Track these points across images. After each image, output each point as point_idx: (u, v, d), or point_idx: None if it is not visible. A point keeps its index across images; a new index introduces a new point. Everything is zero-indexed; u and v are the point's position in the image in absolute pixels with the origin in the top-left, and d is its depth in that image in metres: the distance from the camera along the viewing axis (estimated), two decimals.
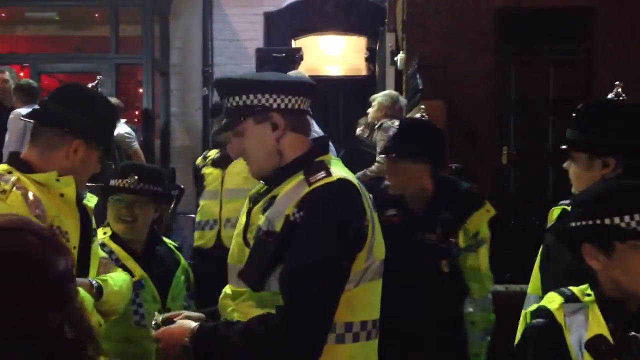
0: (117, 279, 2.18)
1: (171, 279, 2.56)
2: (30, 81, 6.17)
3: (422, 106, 3.93)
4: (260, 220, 1.72)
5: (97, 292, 2.06)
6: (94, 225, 2.16)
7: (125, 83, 8.86)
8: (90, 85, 2.22)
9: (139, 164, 2.68)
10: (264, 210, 1.73)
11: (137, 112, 10.21)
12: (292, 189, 1.70)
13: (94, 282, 2.08)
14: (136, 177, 2.49)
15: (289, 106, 1.76)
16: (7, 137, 5.47)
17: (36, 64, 8.18)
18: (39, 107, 2.09)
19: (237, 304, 1.75)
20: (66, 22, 8.92)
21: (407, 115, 5.86)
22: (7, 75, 6.01)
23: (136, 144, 6.51)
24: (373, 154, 5.18)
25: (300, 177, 1.72)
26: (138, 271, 2.42)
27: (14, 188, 1.88)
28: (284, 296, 1.64)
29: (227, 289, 1.80)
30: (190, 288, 2.67)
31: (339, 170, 1.75)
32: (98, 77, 2.27)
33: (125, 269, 2.34)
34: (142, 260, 2.49)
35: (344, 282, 1.66)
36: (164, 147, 8.39)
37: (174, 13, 8.53)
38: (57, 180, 1.97)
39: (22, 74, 9.49)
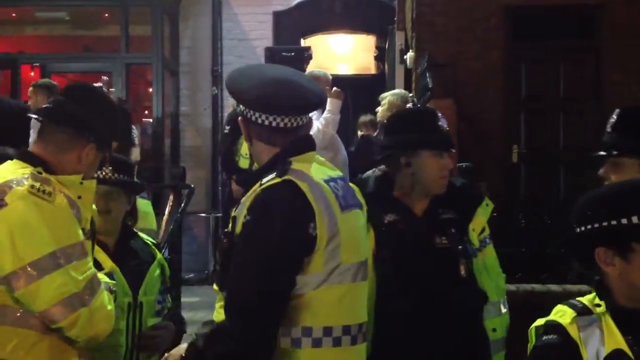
0: (105, 279, 2.19)
1: (145, 272, 2.55)
2: (49, 80, 6.20)
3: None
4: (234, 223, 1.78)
5: (115, 296, 2.09)
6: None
7: (135, 82, 8.89)
8: (96, 85, 2.21)
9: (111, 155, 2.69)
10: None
11: (146, 112, 10.26)
12: (252, 192, 1.75)
13: (111, 287, 2.09)
14: (110, 168, 2.49)
15: (259, 120, 1.79)
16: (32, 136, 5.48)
17: (47, 63, 8.23)
18: (52, 106, 2.06)
19: (218, 304, 1.85)
20: (76, 21, 8.96)
21: None
22: None
23: (136, 141, 6.57)
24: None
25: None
26: (108, 263, 2.41)
27: (56, 191, 1.86)
28: (228, 285, 1.73)
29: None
30: (166, 282, 2.67)
31: (304, 170, 1.75)
32: (103, 78, 2.26)
33: (95, 261, 2.34)
34: (115, 253, 2.46)
35: (281, 286, 1.68)
36: (174, 147, 8.42)
37: (183, 13, 8.56)
38: (81, 183, 1.96)
39: (32, 74, 9.56)
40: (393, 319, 2.14)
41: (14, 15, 8.97)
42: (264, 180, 1.73)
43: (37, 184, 1.84)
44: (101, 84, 1.94)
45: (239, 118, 1.84)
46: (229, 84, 1.84)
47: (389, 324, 2.13)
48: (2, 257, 1.78)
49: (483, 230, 2.51)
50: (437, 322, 2.19)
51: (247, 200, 1.75)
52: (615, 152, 2.06)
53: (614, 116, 2.11)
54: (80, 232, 1.89)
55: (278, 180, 1.71)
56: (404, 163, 2.28)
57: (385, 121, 5.27)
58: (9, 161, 1.99)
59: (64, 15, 8.68)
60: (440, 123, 2.34)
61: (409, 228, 2.28)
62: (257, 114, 1.78)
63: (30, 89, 5.86)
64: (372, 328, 2.07)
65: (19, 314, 1.81)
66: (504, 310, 2.57)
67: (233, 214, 1.78)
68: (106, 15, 8.80)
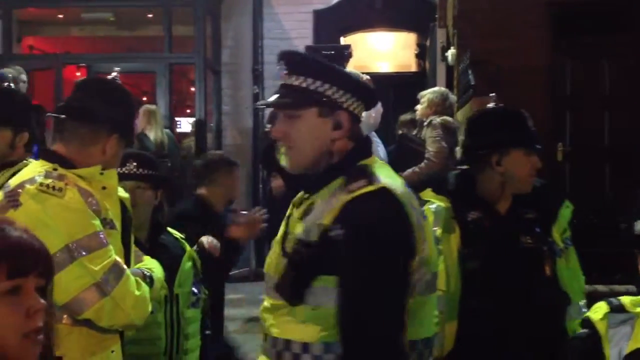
0: (155, 265, 2.23)
1: (177, 266, 2.59)
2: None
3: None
4: (298, 228, 1.62)
5: (150, 281, 2.11)
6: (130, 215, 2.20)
7: (178, 82, 9.02)
8: (109, 77, 2.25)
9: (134, 151, 2.73)
10: (302, 217, 1.64)
11: (188, 111, 10.40)
12: (330, 196, 1.60)
13: (145, 271, 2.13)
14: (135, 164, 2.53)
15: (356, 111, 1.68)
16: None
17: (92, 64, 8.39)
18: (70, 103, 2.09)
19: (276, 317, 1.65)
20: (120, 22, 9.13)
21: (459, 112, 5.80)
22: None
23: None
24: (421, 151, 5.14)
25: (339, 182, 1.62)
26: (147, 257, 2.47)
27: (68, 186, 1.90)
28: (344, 323, 1.54)
29: (266, 301, 1.70)
30: (199, 274, 2.71)
31: (383, 175, 1.62)
32: (115, 69, 2.29)
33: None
34: (147, 248, 2.52)
35: (404, 301, 1.56)
36: (216, 145, 8.51)
37: (225, 12, 8.64)
38: (101, 173, 2.00)
39: (78, 74, 9.76)
40: (477, 317, 2.15)
41: (60, 16, 9.18)
42: (350, 187, 1.58)
43: (48, 181, 1.89)
44: (114, 76, 1.99)
45: (336, 112, 1.65)
46: (322, 66, 1.69)
47: (473, 321, 2.15)
48: None
49: (564, 231, 2.47)
50: (520, 321, 2.19)
51: (327, 206, 1.59)
52: None
53: None
54: (97, 223, 1.92)
55: (372, 188, 1.57)
56: (494, 162, 2.26)
57: (424, 119, 5.24)
58: (34, 161, 2.07)
59: (108, 16, 8.85)
60: (528, 122, 2.34)
61: (494, 226, 2.27)
62: (347, 96, 1.65)
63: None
64: (455, 325, 2.12)
65: None
66: (585, 312, 2.55)
67: (296, 215, 1.67)
68: (149, 15, 8.93)
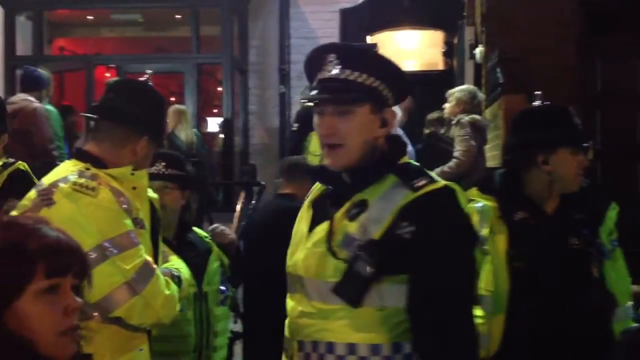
0: (182, 266, 2.25)
1: (205, 264, 2.61)
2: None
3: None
4: (349, 227, 1.58)
5: (178, 280, 2.13)
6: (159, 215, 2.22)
7: (205, 82, 9.09)
8: (142, 79, 2.27)
9: (164, 152, 2.77)
10: (353, 216, 1.59)
11: (216, 111, 10.47)
12: (388, 194, 1.59)
13: (173, 271, 2.15)
14: (163, 164, 2.55)
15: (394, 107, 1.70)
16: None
17: (122, 64, 8.50)
18: (103, 104, 2.12)
19: (330, 323, 1.59)
20: (149, 23, 9.24)
21: (487, 110, 5.75)
22: None
23: None
24: (450, 150, 5.11)
25: (391, 180, 1.61)
26: (172, 256, 2.49)
27: (101, 185, 1.93)
28: (430, 322, 1.54)
29: (304, 307, 1.63)
30: (226, 273, 2.73)
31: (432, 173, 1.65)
32: (147, 72, 2.32)
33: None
34: (175, 246, 2.54)
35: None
36: (244, 144, 8.56)
37: (252, 12, 8.68)
38: (132, 174, 2.02)
39: (108, 75, 9.89)
40: (524, 318, 2.14)
41: (90, 17, 9.31)
42: (414, 185, 1.57)
43: (81, 180, 1.92)
44: (146, 78, 2.01)
45: (384, 109, 1.65)
46: (385, 63, 1.68)
47: (520, 322, 2.14)
48: None
49: (611, 232, 2.42)
50: (568, 322, 2.17)
51: (387, 204, 1.58)
52: None
53: None
54: (129, 222, 1.94)
55: (438, 185, 1.58)
56: (541, 161, 2.23)
57: (452, 117, 5.21)
58: (67, 161, 2.10)
59: (137, 17, 8.95)
60: (575, 119, 2.30)
61: (541, 227, 2.23)
62: (391, 93, 1.66)
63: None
64: (502, 325, 2.12)
65: None
66: (632, 314, 2.48)
67: (340, 214, 1.63)
68: (178, 16, 9.02)
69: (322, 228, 1.63)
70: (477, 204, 2.27)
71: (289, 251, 1.73)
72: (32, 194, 1.99)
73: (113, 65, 8.99)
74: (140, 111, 2.05)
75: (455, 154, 4.94)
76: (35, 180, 2.95)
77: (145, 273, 1.92)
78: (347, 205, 1.62)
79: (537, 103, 2.47)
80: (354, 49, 1.71)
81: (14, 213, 1.93)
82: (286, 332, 1.71)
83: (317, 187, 1.78)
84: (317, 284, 1.61)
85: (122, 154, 2.03)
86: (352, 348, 1.57)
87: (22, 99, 5.18)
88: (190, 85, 8.15)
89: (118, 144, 2.03)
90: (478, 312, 2.26)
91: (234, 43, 8.19)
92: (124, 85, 2.25)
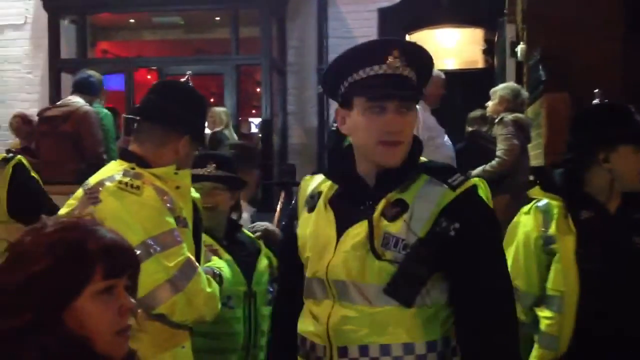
0: (223, 265, 2.28)
1: (255, 263, 2.63)
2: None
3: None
4: (391, 227, 1.58)
5: (220, 279, 2.16)
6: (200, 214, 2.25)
7: (244, 83, 9.16)
8: (182, 80, 2.31)
9: (213, 153, 2.82)
10: (393, 216, 1.59)
11: (254, 111, 10.54)
12: (425, 193, 1.60)
13: (215, 270, 2.18)
14: (214, 165, 2.58)
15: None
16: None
17: (163, 66, 8.61)
18: (145, 104, 2.17)
19: (381, 325, 1.59)
20: (189, 26, 9.33)
21: (529, 108, 5.67)
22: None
23: None
24: (492, 149, 5.05)
25: (424, 178, 1.62)
26: (225, 255, 2.51)
27: (145, 184, 1.97)
28: (473, 318, 1.58)
29: (346, 312, 1.61)
30: (274, 273, 2.74)
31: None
32: (188, 73, 2.35)
33: (215, 253, 2.43)
34: (225, 245, 2.57)
35: None
36: (283, 145, 8.60)
37: (290, 13, 8.71)
38: (175, 173, 2.06)
39: (149, 77, 10.04)
40: (594, 318, 2.14)
41: (132, 21, 9.45)
42: (453, 183, 1.61)
43: (126, 179, 1.96)
44: (186, 79, 2.05)
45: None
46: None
47: (589, 322, 2.14)
48: None
49: None
50: (637, 323, 2.17)
51: (427, 204, 1.60)
52: None
53: None
54: (172, 221, 1.98)
55: (472, 182, 1.65)
56: (602, 159, 2.22)
57: (495, 115, 5.15)
58: (113, 161, 2.15)
59: (178, 20, 9.06)
60: (636, 117, 2.29)
61: (605, 226, 2.22)
62: (420, 89, 1.74)
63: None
64: (572, 326, 2.12)
65: None
66: None
67: (377, 214, 1.61)
68: (217, 18, 9.10)
69: (358, 230, 1.62)
70: (540, 203, 2.26)
71: (311, 256, 1.69)
72: (80, 192, 2.04)
73: (154, 68, 9.12)
74: (180, 111, 2.09)
75: (498, 152, 4.88)
76: (33, 173, 3.09)
77: (187, 271, 1.95)
78: (382, 205, 1.61)
79: (596, 101, 2.45)
80: (417, 48, 1.72)
81: (62, 211, 1.99)
82: (315, 339, 1.66)
83: (321, 186, 1.74)
84: (361, 287, 1.60)
85: (164, 153, 2.07)
86: (409, 347, 1.59)
87: (74, 101, 5.26)
88: (229, 86, 8.22)
89: (159, 143, 2.08)
90: (547, 312, 2.24)
91: (273, 44, 8.23)
92: (165, 86, 2.30)
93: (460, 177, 1.62)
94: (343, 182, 1.71)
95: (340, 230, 1.64)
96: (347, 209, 1.66)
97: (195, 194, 2.22)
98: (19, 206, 2.95)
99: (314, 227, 1.70)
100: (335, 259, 1.62)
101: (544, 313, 2.27)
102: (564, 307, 2.16)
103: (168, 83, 2.39)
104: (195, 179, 2.63)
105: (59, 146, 5.12)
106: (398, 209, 1.59)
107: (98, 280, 1.14)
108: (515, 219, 2.40)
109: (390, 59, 1.60)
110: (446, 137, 5.18)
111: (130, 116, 2.22)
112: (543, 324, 2.26)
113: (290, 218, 1.85)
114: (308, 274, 1.70)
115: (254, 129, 9.35)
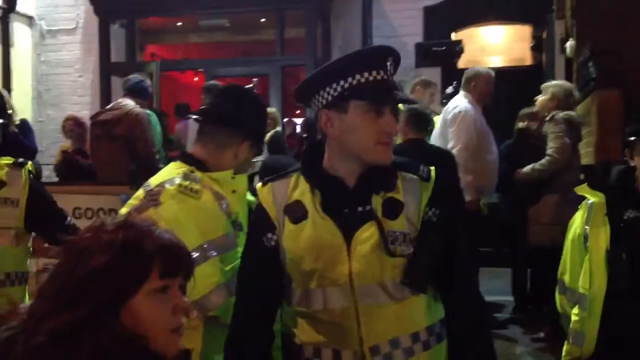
0: None
1: None
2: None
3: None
4: (394, 225, 1.67)
5: None
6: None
7: (289, 83, 9.21)
8: (248, 87, 2.32)
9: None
10: (394, 215, 1.68)
11: (298, 112, 10.59)
12: (408, 188, 1.73)
13: None
14: None
15: None
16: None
17: (209, 68, 8.72)
18: (209, 107, 2.19)
19: (407, 316, 1.69)
20: (235, 27, 9.43)
21: (579, 106, 5.56)
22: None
23: None
24: (540, 146, 4.97)
25: (400, 174, 1.74)
26: None
27: (204, 188, 2.00)
28: (461, 287, 1.77)
29: (373, 312, 1.66)
30: None
31: None
32: (254, 80, 2.37)
33: None
34: None
35: None
36: None
37: (335, 12, 8.72)
38: (233, 178, 2.09)
39: (196, 79, 10.18)
40: (623, 319, 2.11)
41: (179, 24, 9.61)
42: (421, 173, 1.78)
43: (186, 183, 1.99)
44: (252, 85, 2.08)
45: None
46: None
47: (619, 323, 2.11)
48: None
49: None
50: None
51: (414, 197, 1.75)
52: None
53: None
54: (228, 225, 2.00)
55: (432, 168, 1.80)
56: None
57: (545, 113, 5.05)
58: (172, 163, 2.17)
59: (224, 22, 9.16)
60: None
61: None
62: None
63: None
64: (597, 325, 2.11)
65: None
66: None
67: (386, 220, 1.70)
68: (262, 20, 9.17)
69: (367, 233, 1.67)
70: (590, 200, 2.22)
71: (318, 266, 1.67)
72: (140, 193, 2.08)
73: (201, 70, 9.24)
74: (244, 117, 2.12)
75: (549, 151, 4.79)
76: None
77: None
78: (379, 205, 1.69)
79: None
80: (399, 56, 1.78)
81: (123, 210, 2.03)
82: (336, 346, 1.68)
83: (294, 195, 1.73)
84: (384, 285, 1.67)
85: (224, 157, 2.10)
86: (431, 329, 1.73)
87: (124, 104, 5.38)
88: (275, 87, 8.28)
89: (220, 146, 2.10)
90: (576, 309, 2.20)
91: (317, 44, 8.25)
92: (230, 90, 2.31)
93: (425, 168, 1.76)
94: (321, 184, 1.73)
95: (346, 236, 1.67)
96: (342, 213, 1.69)
97: (251, 197, 2.25)
98: (38, 213, 2.72)
99: (311, 236, 1.69)
100: (357, 264, 1.66)
101: (575, 310, 2.25)
102: (590, 307, 2.14)
103: (234, 87, 2.41)
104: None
105: (113, 148, 5.24)
106: (397, 207, 1.69)
107: (154, 279, 1.16)
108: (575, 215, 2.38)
109: (388, 65, 1.70)
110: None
111: (194, 117, 2.25)
112: (573, 320, 2.25)
113: (258, 233, 1.75)
114: (313, 284, 1.69)
115: (296, 129, 9.38)
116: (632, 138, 2.20)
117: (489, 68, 5.72)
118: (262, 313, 1.78)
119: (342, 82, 1.67)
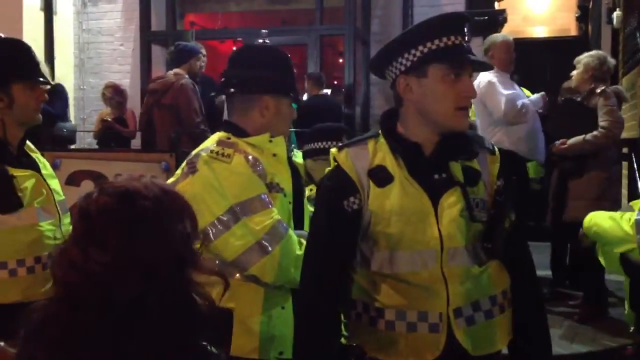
0: None
1: None
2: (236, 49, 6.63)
3: None
4: (473, 192, 1.76)
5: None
6: (304, 181, 2.31)
7: (327, 53, 9.16)
8: (260, 41, 2.33)
9: (336, 126, 2.90)
10: (473, 182, 1.76)
11: (336, 82, 10.53)
12: (480, 158, 1.81)
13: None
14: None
15: None
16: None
17: (248, 38, 8.71)
18: (222, 78, 2.24)
19: (486, 279, 1.77)
20: None
21: (624, 78, 5.41)
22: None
23: None
24: (585, 119, 4.84)
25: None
26: None
27: (236, 152, 2.07)
28: (523, 254, 1.87)
29: (457, 275, 1.72)
30: None
31: None
32: (262, 31, 2.39)
33: None
34: None
35: None
36: (364, 115, 8.57)
37: None
38: (270, 141, 2.14)
39: (235, 48, 10.15)
40: None
41: None
42: (487, 145, 1.86)
43: (218, 149, 2.07)
44: (262, 39, 2.09)
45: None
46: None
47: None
48: (200, 216, 2.01)
49: None
50: None
51: (485, 166, 1.84)
52: None
53: None
54: (262, 186, 2.05)
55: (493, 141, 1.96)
56: None
57: (587, 86, 4.91)
58: (217, 132, 2.22)
59: None
60: None
61: None
62: None
63: None
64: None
65: (217, 262, 2.01)
66: None
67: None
68: None
69: (453, 198, 1.73)
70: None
71: (406, 229, 1.71)
72: (184, 163, 2.16)
73: (240, 39, 9.24)
74: (251, 73, 2.16)
75: (603, 123, 4.66)
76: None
77: (275, 233, 2.01)
78: (457, 172, 1.75)
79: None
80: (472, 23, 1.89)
81: (171, 180, 2.11)
82: (423, 308, 1.71)
83: (376, 159, 1.78)
84: (469, 249, 1.74)
85: (252, 118, 2.16)
86: (505, 293, 1.79)
87: (173, 73, 5.60)
88: (313, 56, 8.23)
89: (244, 110, 2.17)
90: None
91: (357, 14, 8.16)
92: (235, 54, 2.34)
93: (489, 141, 1.86)
94: (402, 150, 1.77)
95: (432, 200, 1.72)
96: (427, 178, 1.74)
97: (299, 160, 2.29)
98: None
99: (399, 200, 1.72)
100: (448, 227, 1.71)
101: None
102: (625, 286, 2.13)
103: (238, 50, 2.42)
104: (320, 152, 2.89)
105: (162, 117, 5.51)
106: (476, 175, 1.77)
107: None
108: None
109: (465, 30, 1.75)
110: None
111: (212, 94, 2.33)
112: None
113: (338, 197, 1.76)
114: (401, 247, 1.71)
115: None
116: None
117: (518, 38, 5.59)
118: (335, 276, 1.79)
119: (420, 47, 1.72)
